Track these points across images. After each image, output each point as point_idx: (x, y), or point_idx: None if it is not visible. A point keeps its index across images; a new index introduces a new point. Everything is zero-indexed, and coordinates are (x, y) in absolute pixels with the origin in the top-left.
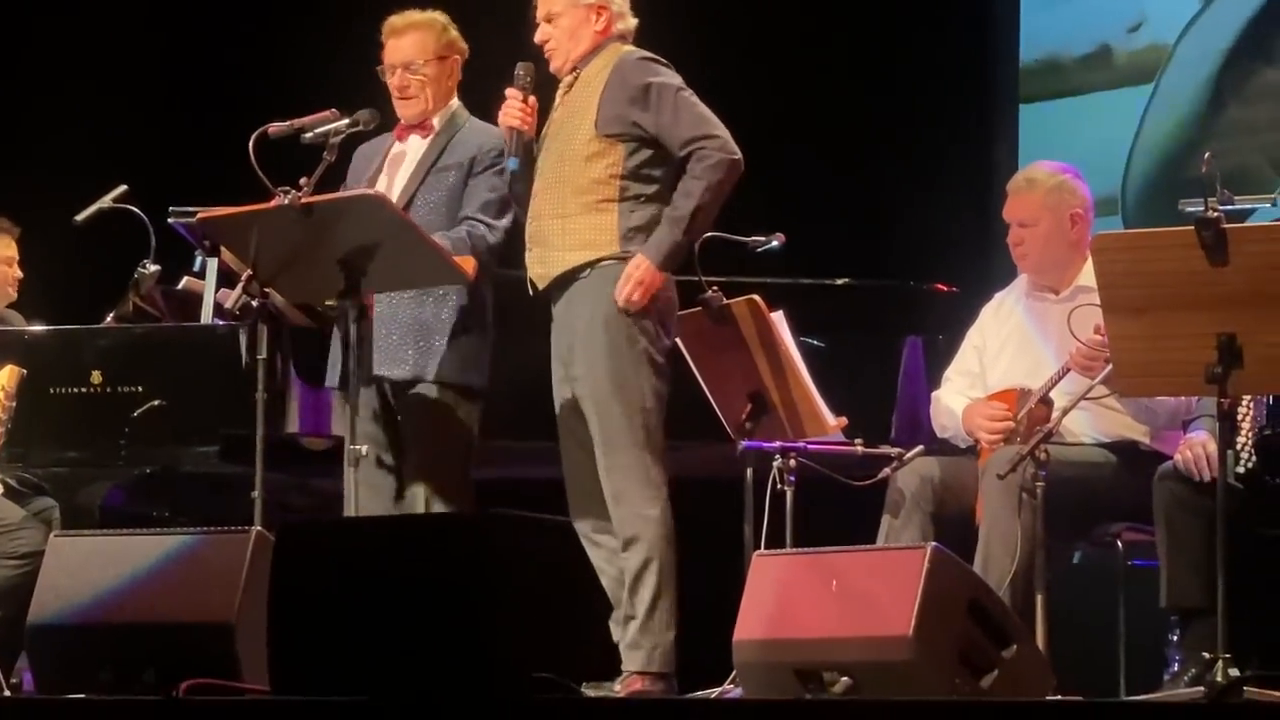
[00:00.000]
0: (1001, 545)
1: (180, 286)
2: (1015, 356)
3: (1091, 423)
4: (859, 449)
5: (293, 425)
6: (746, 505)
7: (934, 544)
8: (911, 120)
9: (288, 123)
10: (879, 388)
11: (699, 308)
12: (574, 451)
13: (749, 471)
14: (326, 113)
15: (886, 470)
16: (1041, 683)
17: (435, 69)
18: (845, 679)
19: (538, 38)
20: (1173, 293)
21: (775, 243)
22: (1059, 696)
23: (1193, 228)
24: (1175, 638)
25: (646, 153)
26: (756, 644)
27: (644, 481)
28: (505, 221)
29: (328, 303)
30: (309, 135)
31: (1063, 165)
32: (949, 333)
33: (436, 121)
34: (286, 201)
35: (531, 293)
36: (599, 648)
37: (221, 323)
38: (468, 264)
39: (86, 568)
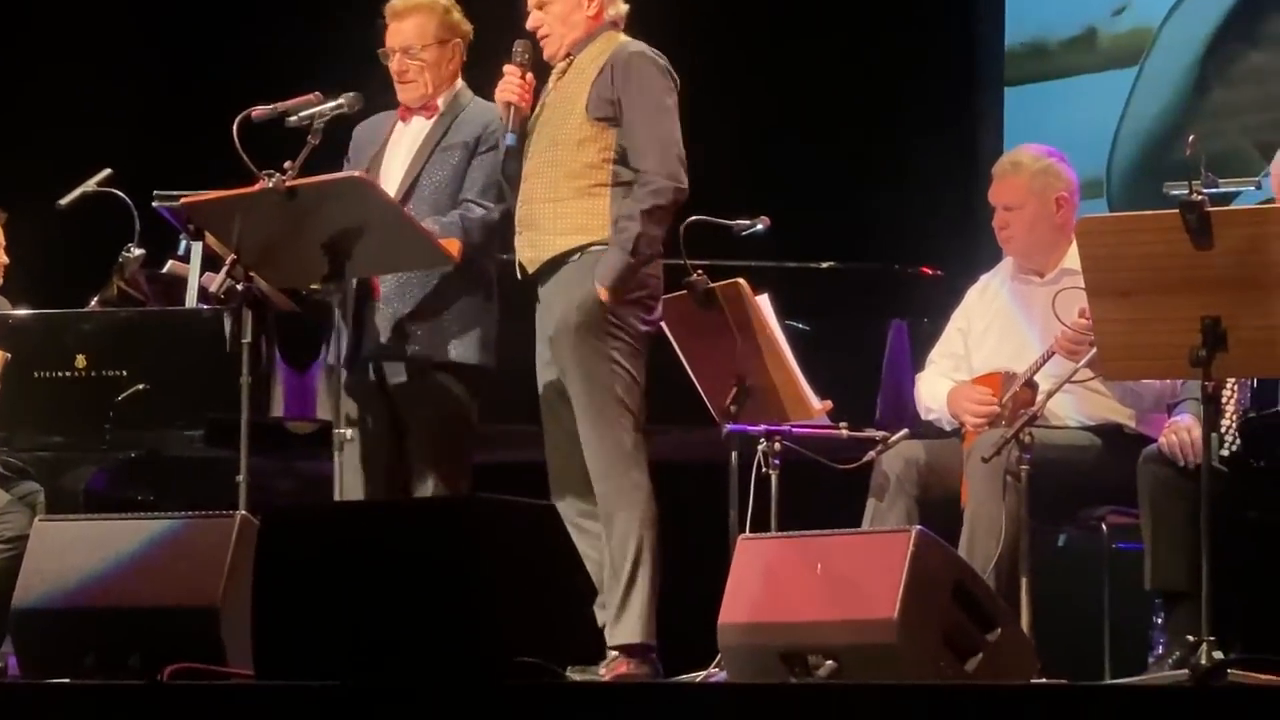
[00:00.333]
0: (986, 528)
1: (165, 270)
2: (1000, 339)
3: (1076, 406)
4: (844, 432)
5: (278, 409)
6: (731, 488)
7: (919, 527)
8: (897, 103)
9: (272, 106)
10: (864, 371)
11: (684, 291)
12: (556, 434)
13: (734, 455)
14: (311, 96)
15: (871, 453)
16: (1026, 666)
17: (435, 53)
18: (830, 662)
19: (530, 25)
20: (1157, 276)
21: (760, 226)
22: (1043, 679)
23: (1177, 211)
24: (1160, 620)
25: None
26: (741, 627)
27: (625, 459)
28: (505, 204)
29: (313, 286)
30: (293, 119)
31: (1048, 148)
32: (934, 316)
33: (441, 102)
34: (271, 185)
35: (520, 276)
36: (584, 631)
37: (206, 307)
38: (453, 246)
39: (71, 552)
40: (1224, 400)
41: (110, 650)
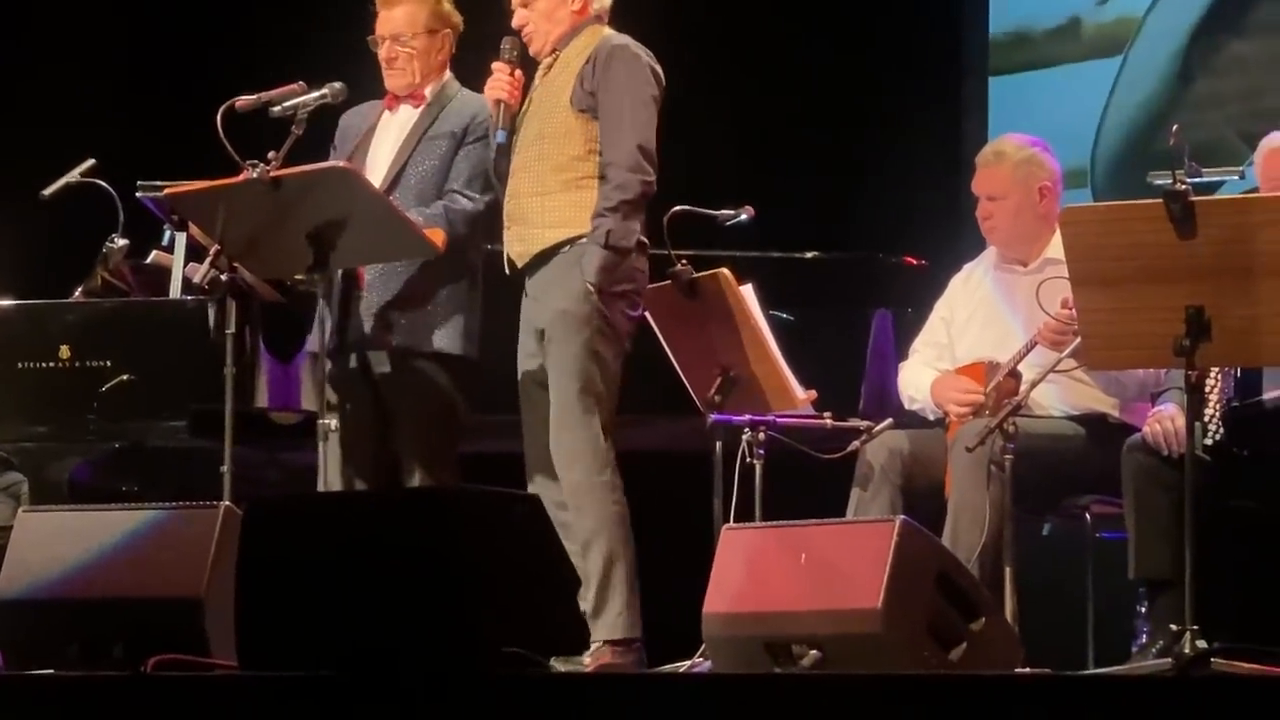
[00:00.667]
0: (970, 518)
1: (149, 261)
2: (983, 328)
3: (1060, 395)
4: (828, 422)
5: (262, 400)
6: (716, 479)
7: (903, 517)
8: (881, 93)
9: (256, 96)
10: (848, 361)
11: (668, 281)
12: (534, 425)
13: (718, 445)
14: (295, 85)
15: (855, 443)
16: (1010, 655)
17: (424, 42)
18: (814, 652)
19: (515, 22)
20: (1141, 265)
21: (744, 216)
22: (1027, 668)
23: (1161, 200)
24: (1143, 609)
25: None
26: (726, 617)
27: (597, 454)
28: (490, 195)
29: (297, 277)
30: (277, 109)
31: (1032, 138)
32: (918, 305)
33: (428, 92)
34: (255, 175)
35: (509, 271)
36: (569, 622)
37: (190, 297)
38: (437, 237)
39: (54, 543)
40: (1208, 389)
41: (94, 641)
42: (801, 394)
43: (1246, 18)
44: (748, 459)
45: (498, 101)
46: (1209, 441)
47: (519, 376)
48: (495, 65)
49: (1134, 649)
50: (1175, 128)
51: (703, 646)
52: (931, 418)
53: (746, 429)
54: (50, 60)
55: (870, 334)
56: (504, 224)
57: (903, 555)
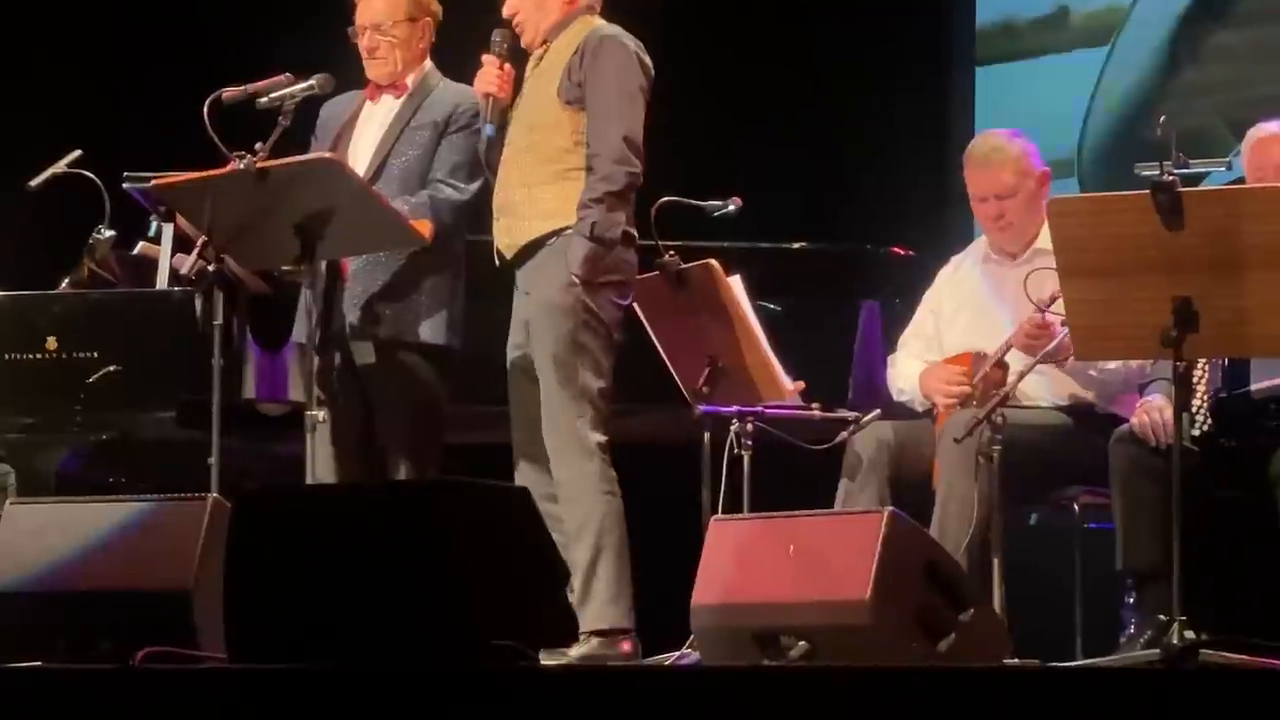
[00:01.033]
0: (958, 509)
1: (135, 252)
2: (972, 320)
3: (1048, 386)
4: (816, 413)
5: (250, 391)
6: (704, 469)
7: (891, 508)
8: (868, 83)
9: (242, 87)
10: (836, 351)
11: (656, 272)
12: (521, 417)
13: (706, 436)
14: (281, 77)
15: (844, 434)
16: (998, 646)
17: (405, 30)
18: (802, 643)
19: (505, 12)
20: (1129, 256)
21: (732, 207)
22: (1015, 659)
23: (1148, 192)
24: (1131, 600)
25: None
26: (714, 608)
27: (586, 447)
28: (475, 185)
29: (284, 268)
30: (264, 100)
31: (1013, 131)
32: (906, 296)
33: (410, 81)
34: (241, 166)
35: (499, 263)
36: (556, 614)
37: (177, 288)
38: (424, 228)
39: (42, 535)
40: (1195, 380)
41: (82, 634)
42: (789, 385)
43: (1234, 7)
44: (736, 450)
45: (487, 95)
46: (1196, 432)
47: (508, 368)
48: (485, 58)
49: (1122, 639)
50: (1162, 119)
51: (691, 638)
52: (919, 409)
53: (734, 420)
54: (36, 51)
55: (858, 325)
56: (493, 216)
57: (891, 547)
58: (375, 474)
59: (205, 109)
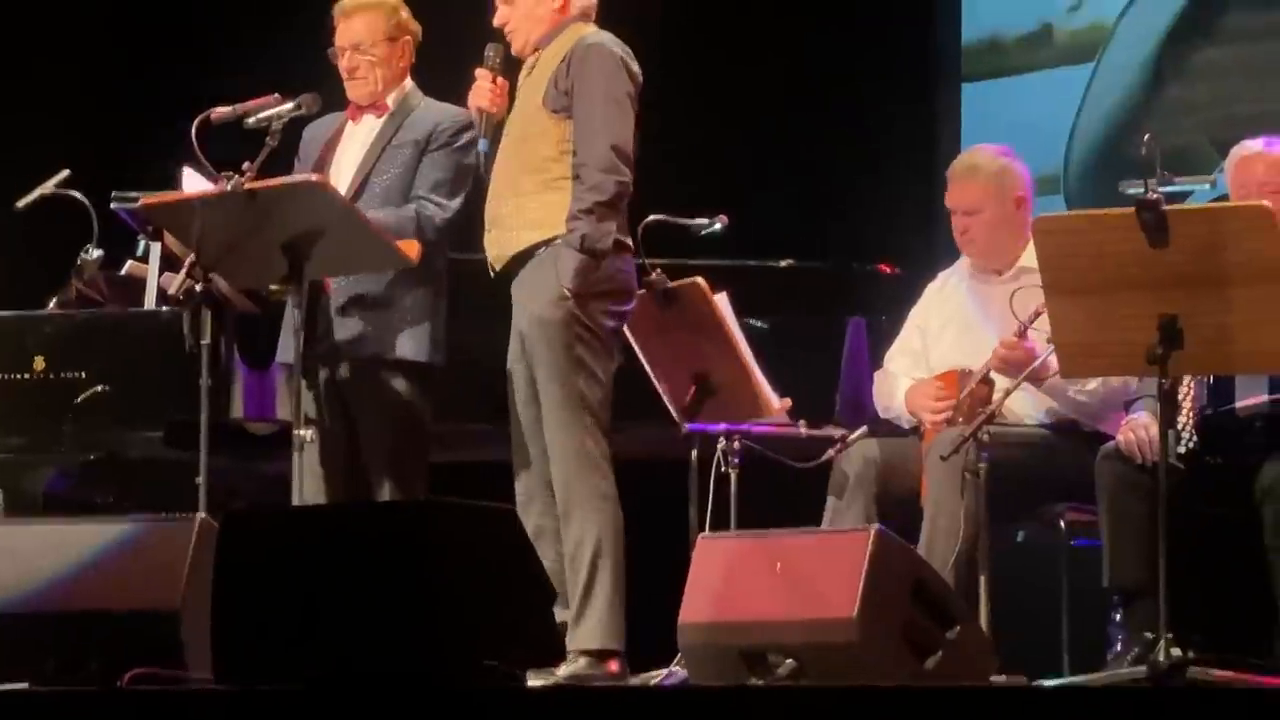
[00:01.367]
0: (945, 526)
1: (123, 272)
2: (958, 337)
3: (1034, 403)
4: (803, 431)
5: (238, 410)
6: (691, 487)
7: (878, 526)
8: (854, 100)
9: (230, 107)
10: (823, 369)
11: (643, 290)
12: (519, 430)
13: (694, 454)
14: (269, 97)
15: (830, 452)
16: (985, 663)
17: (385, 50)
18: (790, 661)
19: (496, 20)
20: (1114, 274)
21: (719, 225)
22: (1003, 677)
23: (1133, 209)
24: (1118, 617)
25: None
26: (701, 626)
27: (588, 462)
28: (457, 201)
29: (272, 287)
30: (252, 120)
31: (1001, 147)
32: (892, 313)
33: (390, 101)
34: (229, 187)
35: (492, 275)
36: (543, 634)
37: (165, 308)
38: (411, 248)
39: (29, 555)
40: (1181, 397)
41: (69, 654)
42: (776, 402)
43: (1218, 24)
44: (723, 467)
45: (480, 110)
46: (1182, 449)
47: (509, 383)
48: (478, 72)
49: (1109, 656)
50: (1147, 136)
51: (678, 655)
52: (906, 426)
53: (721, 437)
54: (23, 71)
55: (845, 342)
56: (485, 228)
57: (878, 564)
58: (361, 493)
59: (193, 129)
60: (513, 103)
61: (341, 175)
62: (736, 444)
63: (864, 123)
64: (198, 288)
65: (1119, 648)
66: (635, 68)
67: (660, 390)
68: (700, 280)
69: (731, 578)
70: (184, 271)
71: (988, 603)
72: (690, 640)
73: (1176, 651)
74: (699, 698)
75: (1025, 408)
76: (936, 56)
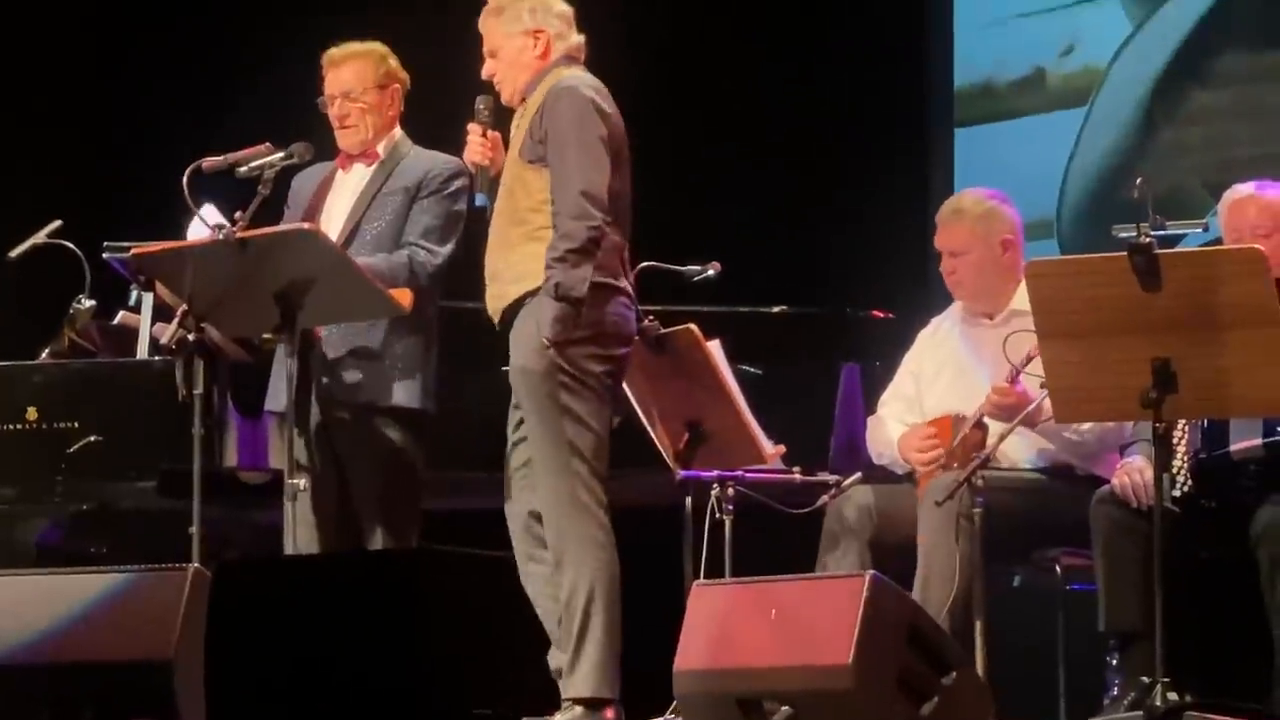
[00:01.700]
0: (940, 572)
1: (116, 321)
2: (951, 382)
3: (1028, 448)
4: (797, 477)
5: (231, 459)
6: (685, 534)
7: (872, 572)
8: (847, 146)
9: (222, 157)
10: (816, 415)
11: (636, 337)
12: (512, 479)
13: (688, 501)
14: (261, 146)
15: (825, 498)
16: (982, 709)
17: (375, 98)
18: (786, 708)
19: (484, 73)
20: (1107, 318)
21: (711, 271)
22: None
23: (1126, 254)
24: (1114, 661)
25: None
26: (697, 674)
27: (577, 509)
28: (448, 248)
29: (264, 336)
30: (243, 169)
31: (991, 191)
32: (886, 359)
33: (381, 149)
34: (221, 236)
35: (496, 328)
36: (536, 682)
37: (158, 357)
38: (404, 296)
39: (22, 607)
40: (1175, 441)
41: (64, 705)
42: (770, 449)
43: (1210, 68)
44: (717, 514)
45: (476, 165)
46: (1177, 493)
47: (508, 432)
48: (470, 127)
49: (1105, 701)
50: (1140, 180)
51: (674, 704)
52: (900, 471)
53: (715, 484)
54: (15, 121)
55: (838, 388)
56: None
57: (873, 610)
58: (353, 540)
59: (185, 178)
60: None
61: (332, 223)
62: (730, 491)
63: (857, 167)
64: (190, 337)
65: (1115, 692)
66: (609, 108)
67: (654, 437)
68: (693, 327)
69: (727, 625)
70: (176, 321)
71: (984, 648)
72: (686, 688)
73: (1173, 695)
74: None
75: (1019, 452)
76: (929, 101)
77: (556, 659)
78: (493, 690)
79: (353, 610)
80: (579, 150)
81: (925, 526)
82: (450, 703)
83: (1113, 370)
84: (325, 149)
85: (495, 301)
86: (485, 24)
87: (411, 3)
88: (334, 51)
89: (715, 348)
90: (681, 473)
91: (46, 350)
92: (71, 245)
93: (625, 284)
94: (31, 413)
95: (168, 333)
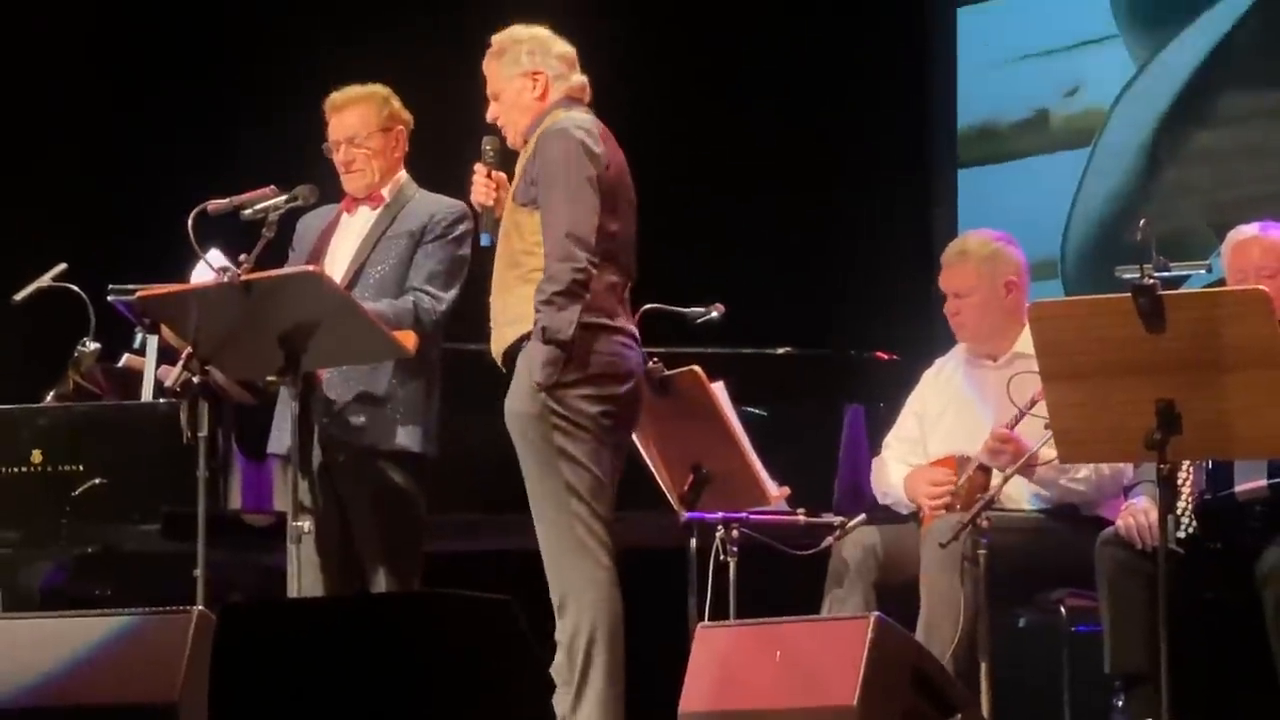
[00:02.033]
0: (944, 613)
1: (121, 364)
2: (955, 423)
3: (1032, 489)
4: (801, 518)
5: (235, 502)
6: (690, 576)
7: (877, 613)
8: (850, 187)
9: (227, 200)
10: (821, 457)
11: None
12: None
13: (692, 542)
14: (265, 189)
15: (829, 539)
16: None
17: (380, 141)
18: None
19: (489, 117)
20: (1111, 359)
21: (715, 313)
22: None
23: (1129, 295)
24: (1120, 703)
25: None
26: (702, 716)
27: (575, 549)
28: (452, 293)
29: (269, 379)
30: (248, 212)
31: (996, 232)
32: (890, 400)
33: (386, 192)
34: (226, 279)
35: (503, 370)
36: None
37: (162, 400)
38: (408, 339)
39: (27, 650)
40: (1180, 482)
41: None
42: (774, 490)
43: (1214, 107)
44: (721, 556)
45: (481, 206)
46: (1182, 534)
47: None
48: (475, 168)
49: None
50: (1143, 222)
51: None
52: (905, 512)
53: (720, 526)
54: (21, 164)
55: (843, 430)
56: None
57: (878, 652)
58: (357, 583)
59: (189, 221)
60: None
61: (336, 266)
62: (735, 532)
63: (860, 209)
64: (195, 379)
65: None
66: (601, 149)
67: (658, 479)
68: (697, 369)
69: (731, 667)
70: (181, 363)
71: (989, 690)
72: None
73: None
74: None
75: (1024, 493)
76: (932, 142)
77: (562, 704)
78: None
79: (357, 654)
80: (565, 192)
81: (929, 568)
82: None
83: (1117, 411)
84: (330, 191)
85: (496, 345)
86: (488, 67)
87: (418, 42)
88: (336, 96)
89: (719, 389)
90: (686, 514)
91: (51, 393)
92: (76, 288)
93: (623, 323)
94: (36, 456)
95: (172, 375)
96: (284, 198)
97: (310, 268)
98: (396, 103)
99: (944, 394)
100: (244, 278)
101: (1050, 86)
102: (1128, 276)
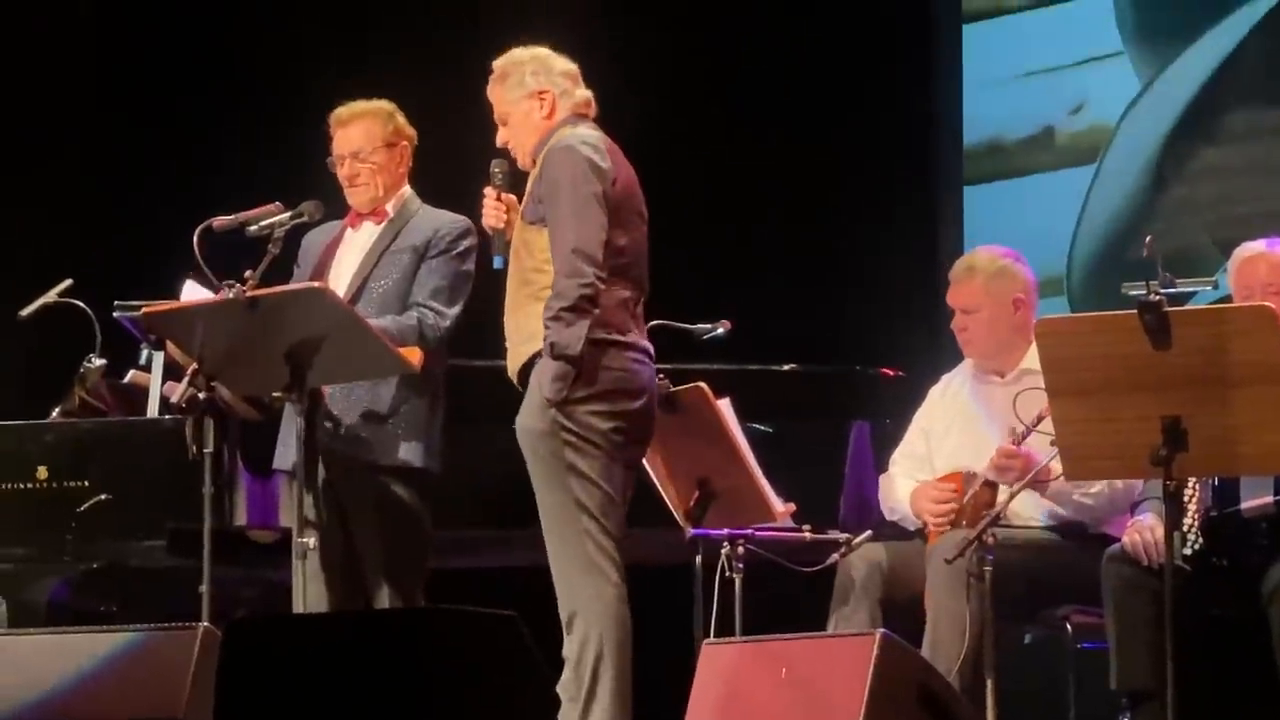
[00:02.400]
0: (950, 630)
1: (126, 380)
2: (961, 439)
3: (1038, 505)
4: (807, 535)
5: (241, 518)
6: (695, 593)
7: (883, 630)
8: (856, 204)
9: (232, 216)
10: (827, 473)
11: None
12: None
13: (698, 559)
14: (271, 205)
15: (835, 556)
16: None
17: (384, 156)
18: None
19: (499, 141)
20: (1117, 376)
21: (721, 330)
22: None
23: (1136, 311)
24: None
25: None
26: None
27: (584, 565)
28: (456, 309)
29: (274, 395)
30: (254, 228)
31: (1005, 249)
32: (896, 417)
33: (390, 208)
34: (231, 295)
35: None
36: None
37: (168, 416)
38: (414, 355)
39: (33, 665)
40: (1186, 499)
41: None
42: (780, 507)
43: (1219, 125)
44: (727, 572)
45: (492, 228)
46: (1188, 551)
47: None
48: (485, 190)
49: None
50: (1149, 238)
51: None
52: (911, 527)
53: (725, 542)
54: (25, 181)
55: (848, 446)
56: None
57: (883, 669)
58: (362, 599)
59: (195, 237)
60: None
61: (340, 281)
62: (741, 549)
63: (866, 225)
64: (200, 396)
65: None
66: (608, 164)
67: (664, 495)
68: (703, 385)
69: (737, 683)
70: (186, 380)
71: (994, 706)
72: None
73: None
74: None
75: (1029, 510)
76: (938, 159)
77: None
78: None
79: (362, 670)
80: (571, 208)
81: (934, 584)
82: None
83: (1123, 428)
84: (335, 207)
85: (512, 363)
86: (492, 92)
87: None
88: (341, 111)
89: (725, 406)
90: (692, 531)
91: (57, 409)
92: (82, 304)
93: (635, 338)
94: (42, 472)
95: (178, 391)
96: (289, 214)
97: (315, 284)
98: (401, 118)
99: (951, 410)
100: (249, 294)
101: (1056, 103)
102: (1134, 293)
